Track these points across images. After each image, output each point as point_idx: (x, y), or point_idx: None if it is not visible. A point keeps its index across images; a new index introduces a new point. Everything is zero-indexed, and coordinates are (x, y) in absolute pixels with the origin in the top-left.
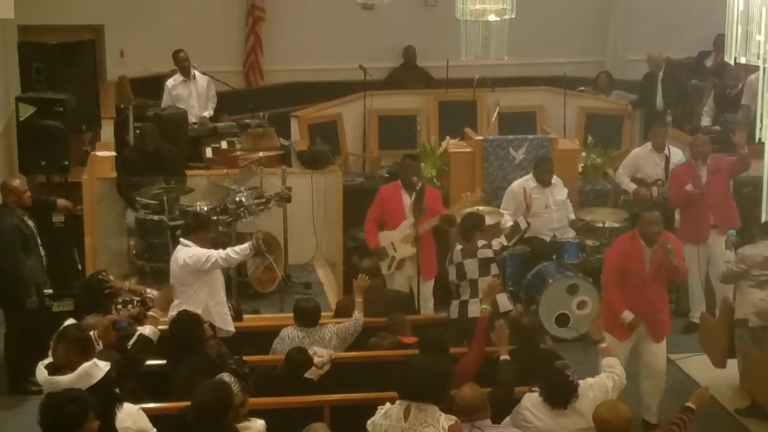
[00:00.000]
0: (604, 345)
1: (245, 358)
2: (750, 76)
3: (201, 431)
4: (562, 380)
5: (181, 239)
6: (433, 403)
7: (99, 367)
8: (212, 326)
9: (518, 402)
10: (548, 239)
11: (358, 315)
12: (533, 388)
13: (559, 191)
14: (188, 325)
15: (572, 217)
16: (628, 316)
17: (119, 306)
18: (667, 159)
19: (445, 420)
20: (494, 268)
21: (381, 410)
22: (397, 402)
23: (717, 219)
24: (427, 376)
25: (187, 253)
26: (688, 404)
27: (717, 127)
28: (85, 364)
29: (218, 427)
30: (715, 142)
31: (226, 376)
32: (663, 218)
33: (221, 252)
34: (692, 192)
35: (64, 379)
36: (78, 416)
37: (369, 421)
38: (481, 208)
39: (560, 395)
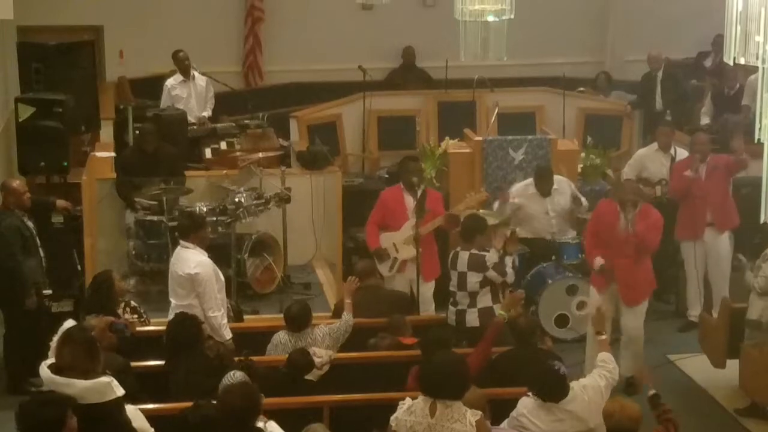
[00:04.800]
0: (602, 338)
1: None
2: (750, 77)
3: None
4: (550, 373)
5: (182, 242)
6: (455, 398)
7: (112, 390)
8: None
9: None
10: (548, 239)
11: (347, 316)
12: (528, 393)
13: (561, 196)
14: (186, 325)
15: (584, 206)
16: (598, 261)
17: (127, 309)
18: (673, 159)
19: (472, 415)
20: (497, 278)
21: (403, 405)
22: (420, 398)
23: (715, 217)
24: (452, 372)
25: (195, 260)
26: (652, 392)
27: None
28: (102, 380)
29: (246, 429)
30: (714, 142)
31: (239, 374)
32: (666, 218)
33: (221, 315)
34: (691, 178)
35: (77, 384)
36: (57, 418)
37: (392, 417)
38: (481, 211)
39: (551, 389)
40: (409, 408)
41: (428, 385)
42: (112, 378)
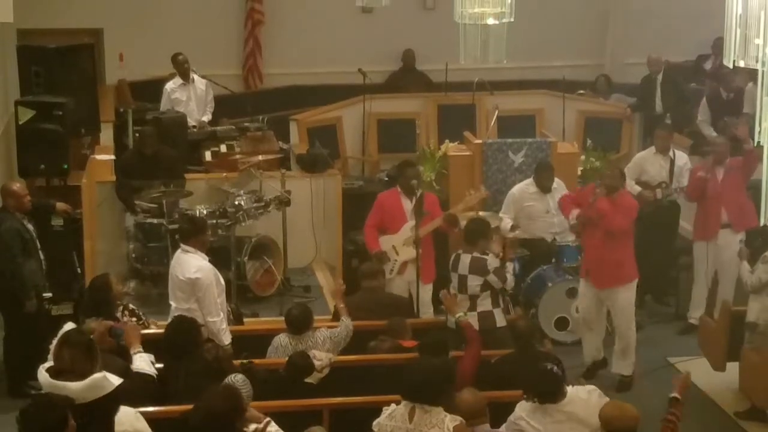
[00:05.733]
0: None
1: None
2: (749, 84)
3: None
4: (545, 374)
5: (182, 245)
6: (436, 404)
7: (108, 381)
8: None
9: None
10: (549, 240)
11: (346, 320)
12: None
13: (560, 195)
14: (185, 328)
15: (573, 221)
16: (574, 213)
17: (126, 312)
18: (672, 162)
19: (450, 421)
20: (497, 283)
21: (386, 411)
22: (402, 403)
23: (732, 217)
24: (430, 377)
25: (196, 264)
26: (673, 395)
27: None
28: (96, 376)
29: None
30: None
31: (240, 377)
32: (667, 220)
33: (220, 321)
34: (705, 178)
35: (73, 387)
36: (61, 421)
37: (375, 422)
38: (481, 213)
39: (547, 389)
40: (391, 413)
41: (408, 390)
42: (104, 372)
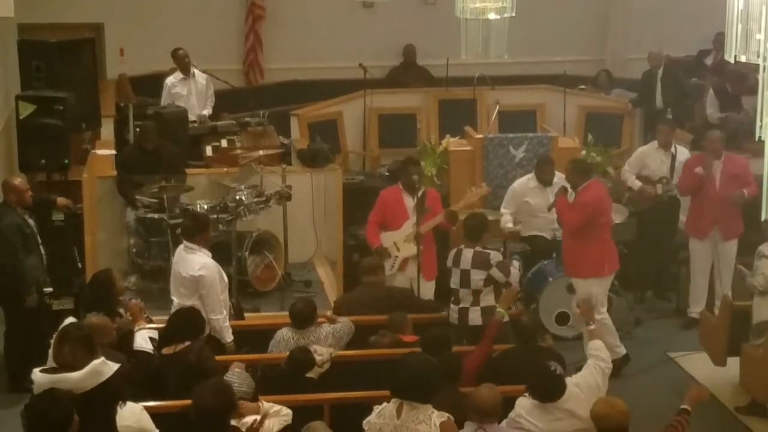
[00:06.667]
0: (591, 327)
1: (247, 356)
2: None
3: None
4: (547, 373)
5: (186, 243)
6: (423, 401)
7: (108, 366)
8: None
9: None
10: (549, 237)
11: (343, 318)
12: (526, 393)
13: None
14: (193, 313)
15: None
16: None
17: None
18: (674, 157)
19: (438, 417)
20: (501, 277)
21: (377, 409)
22: (392, 400)
23: (722, 225)
24: (417, 374)
25: (200, 262)
26: (684, 406)
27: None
28: (95, 362)
29: (220, 427)
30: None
31: (237, 369)
32: (666, 216)
33: (223, 318)
34: (701, 175)
35: (74, 377)
36: (66, 416)
37: (365, 421)
38: (481, 210)
39: (547, 389)
40: (380, 411)
41: (396, 387)
42: (103, 357)
